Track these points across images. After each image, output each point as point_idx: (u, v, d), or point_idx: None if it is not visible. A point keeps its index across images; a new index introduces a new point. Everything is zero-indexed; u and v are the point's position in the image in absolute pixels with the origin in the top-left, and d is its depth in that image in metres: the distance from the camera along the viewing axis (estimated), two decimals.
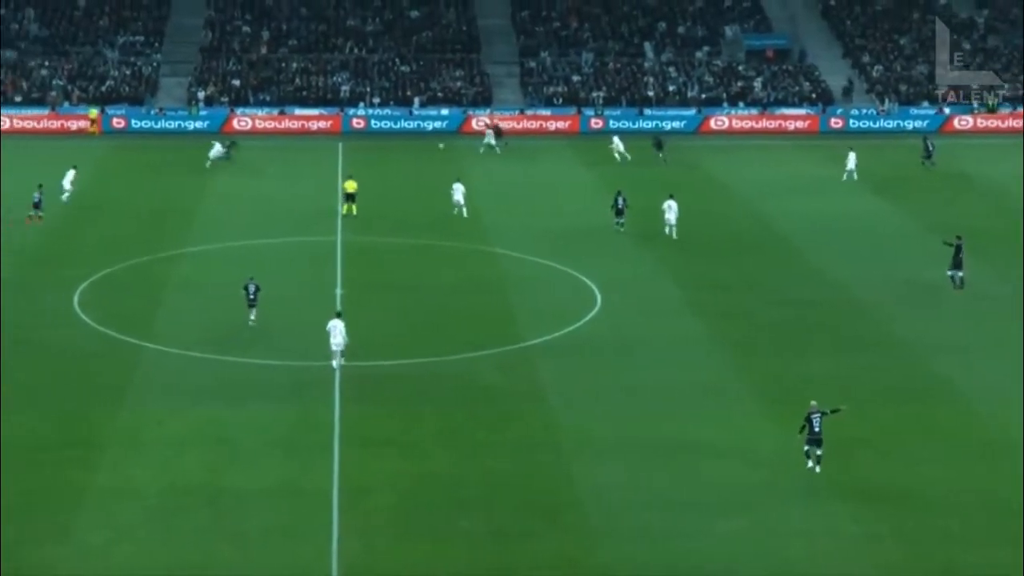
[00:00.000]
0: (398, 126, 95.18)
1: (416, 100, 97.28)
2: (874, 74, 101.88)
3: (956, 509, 35.19)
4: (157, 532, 33.54)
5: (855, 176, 77.22)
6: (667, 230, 62.79)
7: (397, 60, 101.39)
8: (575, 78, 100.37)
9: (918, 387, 44.42)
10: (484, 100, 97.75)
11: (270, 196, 72.54)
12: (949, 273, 54.90)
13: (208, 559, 32.33)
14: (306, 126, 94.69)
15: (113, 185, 75.08)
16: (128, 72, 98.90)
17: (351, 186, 67.38)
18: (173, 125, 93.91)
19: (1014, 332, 49.09)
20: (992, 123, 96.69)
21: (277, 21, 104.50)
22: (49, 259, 58.77)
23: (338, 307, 47.64)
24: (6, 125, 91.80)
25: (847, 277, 56.91)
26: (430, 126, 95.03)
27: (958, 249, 54.89)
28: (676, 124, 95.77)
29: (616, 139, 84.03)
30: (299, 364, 45.32)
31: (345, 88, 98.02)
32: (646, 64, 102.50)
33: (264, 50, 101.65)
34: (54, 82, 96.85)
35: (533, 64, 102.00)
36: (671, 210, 62.97)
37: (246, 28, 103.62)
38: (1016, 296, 53.68)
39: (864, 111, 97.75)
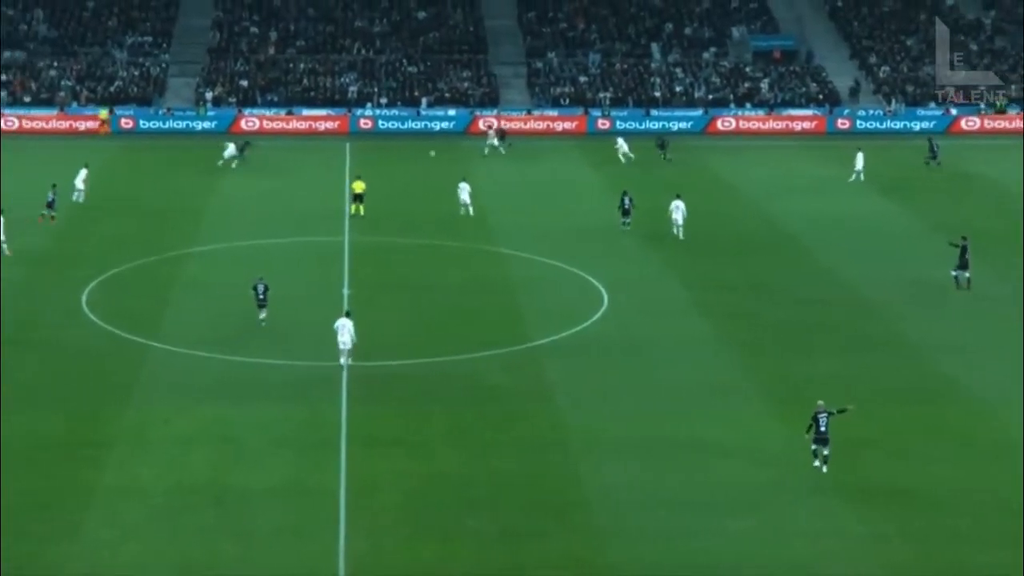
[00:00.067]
0: (405, 127, 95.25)
1: (423, 101, 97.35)
2: (881, 75, 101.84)
3: (964, 509, 35.15)
4: (164, 531, 33.57)
5: (862, 177, 77.22)
6: (674, 230, 62.80)
7: (404, 61, 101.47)
8: (582, 79, 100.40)
9: (925, 387, 44.39)
10: (491, 101, 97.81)
11: (278, 196, 72.62)
12: (954, 274, 54.88)
13: (215, 558, 32.35)
14: (314, 127, 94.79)
15: (121, 185, 75.16)
16: (136, 73, 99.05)
17: (359, 187, 67.46)
18: (181, 125, 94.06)
19: (1021, 332, 49.02)
20: (999, 124, 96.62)
21: (285, 22, 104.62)
22: (58, 259, 58.88)
23: (346, 307, 47.65)
24: (15, 125, 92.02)
25: (854, 277, 56.90)
26: (437, 127, 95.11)
27: (964, 250, 54.88)
28: (683, 125, 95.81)
29: (620, 140, 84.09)
30: (306, 364, 45.36)
31: (352, 89, 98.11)
32: (653, 65, 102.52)
33: (272, 51, 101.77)
34: (63, 83, 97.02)
35: (540, 65, 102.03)
36: (678, 210, 62.97)
37: (254, 29, 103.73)
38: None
39: (871, 112, 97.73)
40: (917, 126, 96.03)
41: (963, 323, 51.05)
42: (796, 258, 60.55)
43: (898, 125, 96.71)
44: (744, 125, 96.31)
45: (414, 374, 44.75)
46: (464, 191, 67.82)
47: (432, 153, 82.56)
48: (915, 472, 37.42)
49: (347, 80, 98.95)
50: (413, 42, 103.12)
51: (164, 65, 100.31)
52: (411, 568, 32.04)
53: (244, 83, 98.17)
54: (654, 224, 63.98)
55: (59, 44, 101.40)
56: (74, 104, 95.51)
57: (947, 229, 62.06)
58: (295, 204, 70.49)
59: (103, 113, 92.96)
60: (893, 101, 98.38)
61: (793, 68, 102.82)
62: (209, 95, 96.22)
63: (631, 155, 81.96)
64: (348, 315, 45.02)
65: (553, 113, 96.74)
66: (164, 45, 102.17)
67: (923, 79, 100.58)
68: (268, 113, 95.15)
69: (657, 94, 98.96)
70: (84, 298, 52.68)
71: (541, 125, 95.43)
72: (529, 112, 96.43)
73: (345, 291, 53.58)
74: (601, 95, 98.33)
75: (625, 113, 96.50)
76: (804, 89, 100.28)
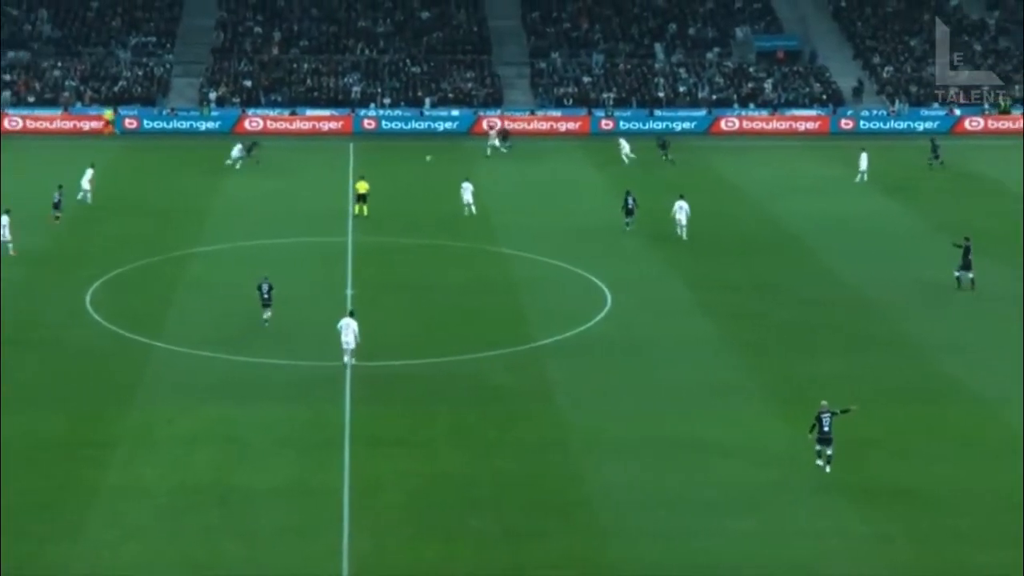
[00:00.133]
0: (409, 127, 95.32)
1: (427, 101, 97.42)
2: (885, 75, 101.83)
3: (967, 509, 35.15)
4: (167, 531, 33.59)
5: (865, 177, 77.22)
6: (677, 231, 62.81)
7: (408, 61, 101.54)
8: (585, 79, 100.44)
9: (928, 387, 44.40)
10: (495, 101, 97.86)
11: (281, 196, 72.68)
12: (957, 274, 54.88)
13: (218, 558, 32.37)
14: (317, 127, 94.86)
15: (125, 185, 75.18)
16: (140, 73, 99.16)
17: (363, 187, 67.49)
18: (185, 126, 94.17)
19: (1023, 332, 49.04)
20: (1003, 124, 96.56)
21: (288, 22, 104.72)
22: (62, 258, 58.95)
23: (350, 307, 47.69)
24: (19, 126, 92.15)
25: (857, 277, 56.90)
26: (441, 127, 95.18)
27: (967, 250, 54.88)
28: (687, 125, 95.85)
29: (622, 141, 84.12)
30: (309, 364, 45.39)
31: (356, 89, 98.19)
32: (657, 65, 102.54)
33: (275, 51, 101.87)
34: (67, 83, 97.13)
35: (543, 65, 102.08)
36: (682, 211, 62.98)
37: (258, 29, 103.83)
38: None
39: (875, 112, 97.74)
40: (921, 126, 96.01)
41: (966, 323, 51.04)
42: (799, 258, 60.56)
43: (902, 125, 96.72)
44: (748, 125, 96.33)
45: (417, 374, 44.78)
46: (467, 191, 67.88)
47: (429, 158, 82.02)
48: (918, 472, 37.43)
49: (351, 80, 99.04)
50: (417, 42, 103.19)
51: (168, 65, 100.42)
52: (414, 568, 32.07)
53: (248, 83, 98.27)
54: (657, 224, 64.01)
55: (63, 44, 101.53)
56: (78, 104, 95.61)
57: (951, 229, 62.06)
58: (299, 204, 70.55)
59: (108, 114, 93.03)
60: (897, 101, 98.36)
61: (797, 68, 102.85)
62: (213, 95, 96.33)
63: (633, 156, 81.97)
64: (352, 315, 45.06)
65: (557, 113, 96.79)
66: (168, 45, 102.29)
67: (927, 79, 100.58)
68: (272, 113, 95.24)
69: (661, 94, 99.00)
70: (88, 298, 52.73)
71: (545, 125, 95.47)
72: (533, 112, 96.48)
73: (348, 291, 53.61)
74: (605, 95, 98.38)
75: (629, 113, 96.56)
76: (808, 89, 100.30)
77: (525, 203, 71.37)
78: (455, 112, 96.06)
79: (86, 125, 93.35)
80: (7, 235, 58.09)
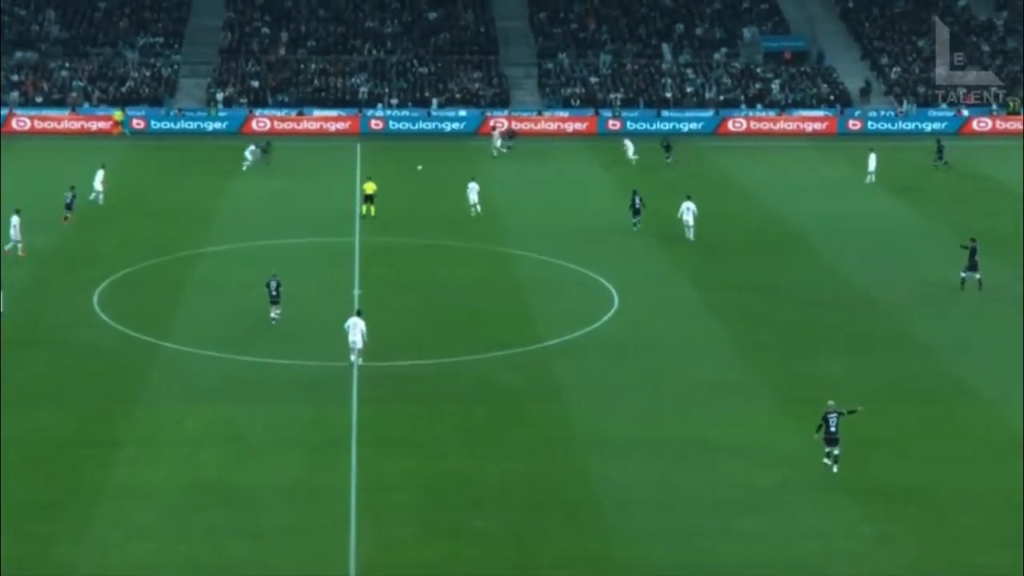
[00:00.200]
0: (416, 127, 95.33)
1: (434, 101, 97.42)
2: (892, 76, 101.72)
3: (973, 509, 35.15)
4: (174, 530, 33.64)
5: (873, 178, 77.19)
6: (685, 231, 62.81)
7: (415, 61, 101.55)
8: (593, 79, 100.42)
9: (935, 387, 44.39)
10: (502, 101, 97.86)
11: (289, 197, 72.73)
12: (963, 275, 54.84)
13: (225, 557, 32.42)
14: (324, 127, 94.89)
15: (133, 185, 75.21)
16: (148, 73, 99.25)
17: (370, 187, 67.53)
18: (192, 126, 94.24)
19: None
20: (1011, 125, 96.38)
21: (296, 23, 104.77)
22: (69, 258, 59.05)
23: (357, 306, 47.73)
24: (27, 126, 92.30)
25: (864, 278, 56.89)
26: (448, 127, 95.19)
27: (973, 251, 54.85)
28: (694, 126, 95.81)
29: (627, 142, 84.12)
30: (316, 364, 45.44)
31: (363, 89, 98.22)
32: (664, 66, 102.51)
33: (283, 51, 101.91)
34: (74, 83, 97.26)
35: (551, 65, 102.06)
36: (689, 211, 62.96)
37: (265, 29, 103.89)
38: None
39: (882, 113, 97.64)
40: (928, 127, 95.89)
41: (972, 324, 51.03)
42: (806, 259, 60.54)
43: (909, 126, 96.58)
44: (755, 126, 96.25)
45: (424, 374, 44.82)
46: (473, 191, 67.93)
47: (419, 167, 79.73)
48: (924, 472, 37.43)
49: (358, 81, 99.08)
50: (424, 43, 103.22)
51: (175, 66, 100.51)
52: (420, 567, 32.12)
53: (255, 84, 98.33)
54: (665, 224, 64.01)
55: (71, 45, 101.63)
56: (86, 105, 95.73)
57: (957, 230, 62.07)
58: (306, 205, 70.60)
59: (118, 114, 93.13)
60: (904, 102, 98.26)
61: (804, 69, 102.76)
62: (220, 96, 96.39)
63: (636, 156, 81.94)
64: (359, 314, 45.11)
65: (564, 114, 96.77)
66: (175, 46, 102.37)
67: (934, 80, 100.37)
68: (279, 114, 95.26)
69: (668, 95, 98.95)
70: (95, 298, 52.82)
71: (552, 126, 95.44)
72: (540, 113, 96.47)
73: (355, 291, 53.67)
74: (612, 96, 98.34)
75: (636, 114, 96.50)
76: (815, 90, 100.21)
77: (532, 203, 71.39)
78: (462, 112, 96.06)
79: (94, 125, 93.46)
80: (17, 235, 58.19)
